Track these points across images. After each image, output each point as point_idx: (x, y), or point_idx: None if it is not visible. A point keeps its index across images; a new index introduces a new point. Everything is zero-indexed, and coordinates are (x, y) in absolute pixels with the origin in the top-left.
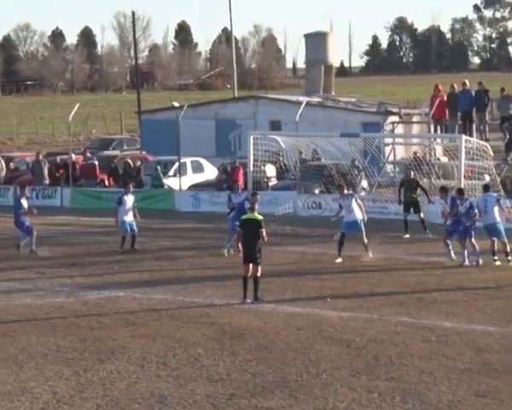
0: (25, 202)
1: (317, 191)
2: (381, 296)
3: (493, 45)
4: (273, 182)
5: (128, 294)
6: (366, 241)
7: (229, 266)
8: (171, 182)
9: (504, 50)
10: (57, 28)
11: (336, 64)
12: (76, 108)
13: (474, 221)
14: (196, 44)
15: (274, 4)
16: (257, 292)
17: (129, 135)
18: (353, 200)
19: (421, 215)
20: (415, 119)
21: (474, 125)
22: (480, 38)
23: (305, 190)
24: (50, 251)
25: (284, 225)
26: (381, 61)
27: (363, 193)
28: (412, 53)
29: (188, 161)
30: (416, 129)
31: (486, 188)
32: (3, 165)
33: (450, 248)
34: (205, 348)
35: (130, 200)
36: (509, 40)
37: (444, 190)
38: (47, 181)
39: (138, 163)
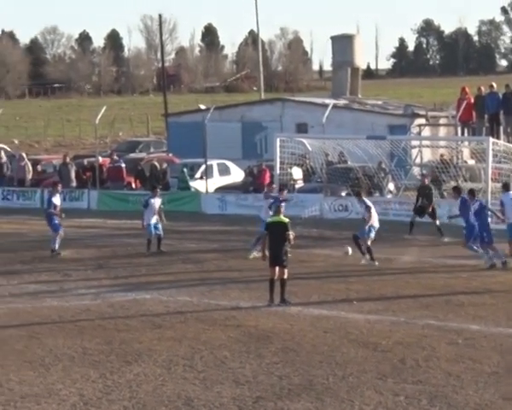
0: (57, 200)
1: (343, 194)
2: (408, 299)
3: None
4: (299, 184)
5: (154, 296)
6: (366, 246)
7: (255, 268)
8: (197, 184)
9: None
10: (84, 31)
11: (363, 66)
12: (103, 110)
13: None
14: (223, 47)
15: (300, 7)
16: (283, 294)
17: (155, 137)
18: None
19: (437, 222)
20: (442, 121)
21: (501, 128)
22: (508, 41)
23: (331, 192)
24: (77, 253)
25: (310, 227)
26: (407, 63)
27: (389, 196)
28: (439, 55)
29: (214, 163)
30: (442, 131)
31: (506, 187)
32: (30, 167)
33: (479, 250)
34: (231, 350)
35: (156, 203)
36: None
37: (457, 191)
38: (74, 184)
39: (165, 166)
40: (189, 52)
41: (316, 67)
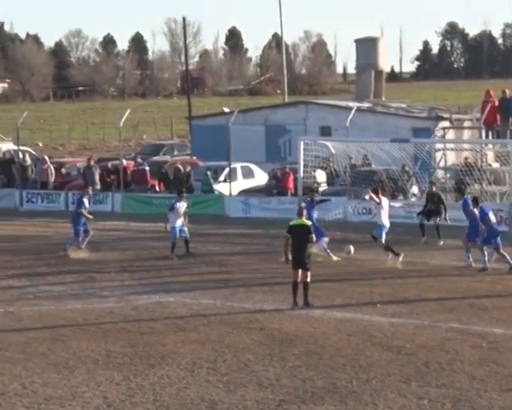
0: (86, 202)
1: (367, 197)
2: (432, 302)
3: None
4: (323, 187)
5: (178, 299)
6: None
7: (278, 271)
8: (221, 187)
9: None
10: (108, 34)
11: (387, 69)
12: (127, 113)
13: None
14: (246, 50)
15: (324, 10)
16: (307, 297)
17: (179, 140)
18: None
19: (437, 221)
20: (466, 124)
21: None
22: None
23: (355, 195)
24: (101, 256)
25: (334, 230)
26: (431, 66)
27: (413, 199)
28: (463, 58)
29: (238, 166)
30: (467, 134)
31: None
32: (53, 170)
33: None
34: (254, 353)
35: (182, 207)
36: None
37: (460, 192)
38: (98, 186)
39: (188, 168)
40: (212, 55)
41: (339, 69)
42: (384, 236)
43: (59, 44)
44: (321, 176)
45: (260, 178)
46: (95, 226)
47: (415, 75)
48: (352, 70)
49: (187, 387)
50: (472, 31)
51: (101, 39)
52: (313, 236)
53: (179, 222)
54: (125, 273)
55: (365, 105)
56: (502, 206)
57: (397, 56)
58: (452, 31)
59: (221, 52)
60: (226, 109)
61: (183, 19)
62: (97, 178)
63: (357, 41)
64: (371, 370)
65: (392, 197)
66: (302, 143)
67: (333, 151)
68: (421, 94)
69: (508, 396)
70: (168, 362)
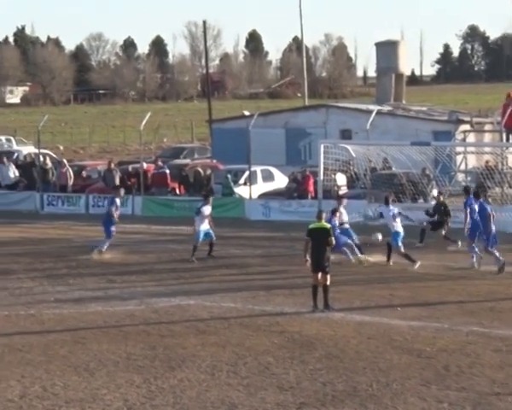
0: (118, 203)
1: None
2: (452, 306)
3: None
4: (343, 191)
5: (198, 302)
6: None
7: (298, 274)
8: (241, 190)
9: None
10: (129, 38)
11: (407, 72)
12: (147, 116)
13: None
14: (267, 53)
15: (345, 13)
16: (327, 300)
17: (200, 144)
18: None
19: (443, 233)
20: (486, 127)
21: None
22: None
23: (375, 198)
24: (122, 259)
25: (354, 233)
26: (452, 69)
27: (433, 202)
28: (484, 61)
29: (258, 169)
30: (487, 138)
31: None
32: (71, 174)
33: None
34: (275, 356)
35: (207, 210)
36: None
37: (465, 191)
38: None
39: (209, 172)
40: (233, 58)
41: (360, 73)
42: (401, 243)
43: (80, 48)
44: (341, 179)
45: (280, 181)
46: (115, 229)
47: (435, 78)
48: (372, 73)
49: (207, 390)
50: (493, 34)
51: (121, 43)
52: (332, 239)
53: (204, 226)
54: (145, 276)
55: (386, 108)
56: None
57: (417, 59)
58: (473, 34)
59: (241, 55)
60: (246, 112)
61: (204, 22)
62: (118, 181)
63: (378, 44)
64: (391, 373)
65: (413, 200)
66: (322, 146)
67: (353, 154)
68: (442, 97)
69: None
70: (188, 365)
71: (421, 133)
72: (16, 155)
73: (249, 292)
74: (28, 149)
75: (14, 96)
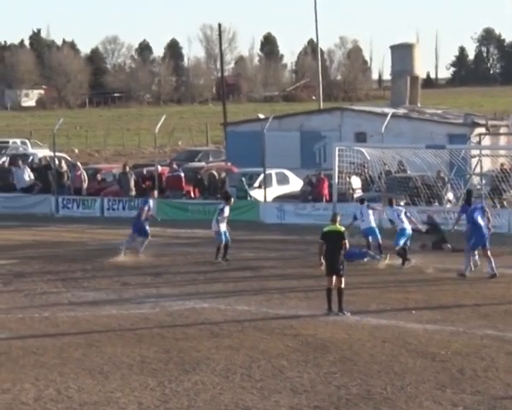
0: (151, 204)
1: (402, 203)
2: (467, 309)
3: None
4: (358, 194)
5: (212, 305)
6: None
7: (313, 277)
8: (256, 193)
9: None
10: (144, 41)
11: (422, 75)
12: (162, 119)
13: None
14: (282, 56)
15: (360, 16)
16: (341, 304)
17: (214, 147)
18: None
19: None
20: (502, 130)
21: None
22: None
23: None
24: (136, 262)
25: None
26: (467, 72)
27: (448, 205)
28: (500, 64)
29: (273, 172)
30: (503, 141)
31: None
32: (86, 177)
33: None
34: (289, 359)
35: (227, 211)
36: None
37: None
38: (133, 192)
39: (223, 175)
40: (248, 61)
41: (375, 76)
42: (402, 242)
43: (95, 51)
44: (356, 182)
45: (295, 184)
46: (130, 232)
47: (450, 81)
48: (387, 76)
49: (221, 393)
50: (508, 36)
51: (136, 46)
52: (346, 241)
53: (224, 227)
54: (159, 279)
55: (401, 111)
56: None
57: (432, 62)
58: (488, 37)
59: (256, 58)
60: (261, 116)
61: (219, 25)
62: (132, 184)
63: (393, 47)
64: (406, 377)
65: (428, 203)
66: (337, 149)
67: (368, 157)
68: (457, 100)
69: None
70: (202, 368)
71: (436, 136)
72: (31, 158)
73: (263, 295)
74: (43, 153)
75: (30, 99)
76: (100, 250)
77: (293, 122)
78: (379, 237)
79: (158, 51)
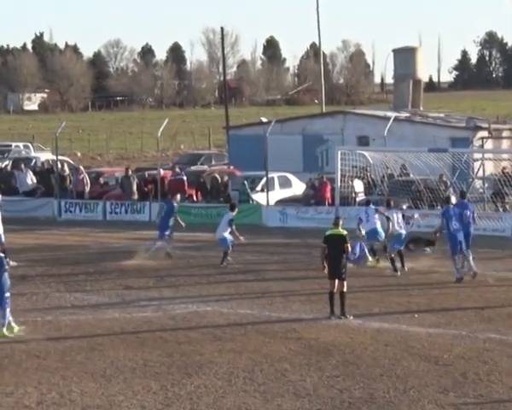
0: (176, 207)
1: (404, 207)
2: (470, 313)
3: None
4: (361, 197)
5: (215, 308)
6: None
7: (315, 281)
8: (258, 197)
9: None
10: (147, 44)
11: (425, 79)
12: (165, 123)
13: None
14: (284, 60)
15: (362, 19)
16: (343, 307)
17: (217, 150)
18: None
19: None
20: (504, 134)
21: None
22: None
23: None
24: (139, 265)
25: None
26: (470, 76)
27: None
28: (502, 68)
29: (275, 176)
30: (505, 144)
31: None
32: (88, 180)
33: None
34: (291, 363)
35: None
36: None
37: (446, 200)
38: (136, 196)
39: (226, 178)
40: (250, 65)
41: (377, 79)
42: (396, 247)
43: (97, 55)
44: (358, 186)
45: (297, 187)
46: (132, 236)
47: (453, 85)
48: (389, 80)
49: (224, 396)
50: (511, 40)
51: (139, 49)
52: (349, 245)
53: (227, 233)
54: (162, 283)
55: (403, 115)
56: None
57: (435, 66)
58: (491, 40)
59: (259, 62)
60: (264, 119)
61: (221, 29)
62: (135, 187)
63: (396, 51)
64: (408, 380)
65: (430, 207)
66: (339, 152)
67: (370, 161)
68: (460, 104)
69: None
70: (205, 371)
71: (438, 140)
72: (34, 161)
73: (266, 299)
74: (46, 156)
75: (32, 102)
76: (102, 254)
77: (295, 126)
78: (381, 238)
79: (160, 55)
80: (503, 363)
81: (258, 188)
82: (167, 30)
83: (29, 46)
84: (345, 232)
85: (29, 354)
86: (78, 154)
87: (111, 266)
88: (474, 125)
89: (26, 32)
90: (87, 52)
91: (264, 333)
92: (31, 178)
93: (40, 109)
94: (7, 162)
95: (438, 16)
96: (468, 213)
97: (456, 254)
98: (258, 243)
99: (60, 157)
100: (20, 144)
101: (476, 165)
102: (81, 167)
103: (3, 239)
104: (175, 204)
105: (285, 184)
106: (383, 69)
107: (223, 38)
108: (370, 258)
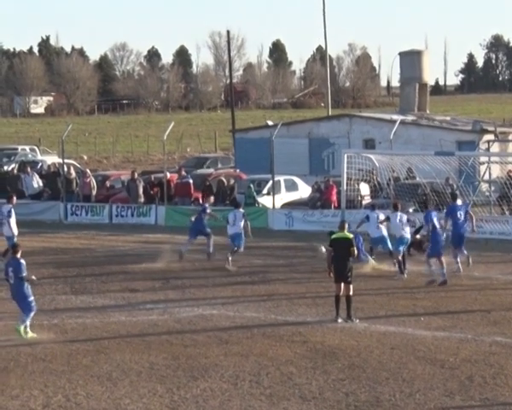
0: (208, 209)
1: (411, 210)
2: (476, 316)
3: None
4: (367, 200)
5: (221, 311)
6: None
7: (321, 284)
8: (264, 200)
9: None
10: (153, 48)
11: (431, 82)
12: (171, 126)
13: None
14: (290, 63)
15: (369, 23)
16: (350, 311)
17: (223, 153)
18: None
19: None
20: (511, 137)
21: None
22: None
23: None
24: (145, 268)
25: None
26: (476, 79)
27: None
28: (508, 71)
29: (281, 179)
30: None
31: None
32: (94, 184)
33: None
34: (297, 366)
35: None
36: None
37: (424, 205)
38: (142, 199)
39: (232, 181)
40: (256, 68)
41: (384, 82)
42: (401, 249)
43: (104, 58)
44: (364, 189)
45: (304, 190)
46: (138, 239)
47: (459, 88)
48: (396, 83)
49: (230, 400)
50: None
51: (145, 53)
52: (355, 249)
53: (241, 229)
54: (168, 286)
55: (409, 118)
56: None
57: (441, 69)
58: (497, 43)
59: (265, 65)
60: (270, 122)
61: (228, 32)
62: (141, 190)
63: (402, 54)
64: (414, 383)
65: (437, 210)
66: (346, 156)
67: (376, 164)
68: (466, 107)
69: None
70: (211, 375)
71: (444, 143)
72: (40, 164)
73: (272, 302)
74: (52, 159)
75: (39, 106)
76: (108, 257)
77: (301, 129)
78: (387, 246)
79: (167, 58)
80: (508, 366)
81: (265, 191)
82: (173, 33)
83: (35, 49)
84: (351, 236)
85: (35, 357)
86: (85, 157)
87: (117, 269)
88: (480, 129)
89: (33, 36)
90: (93, 55)
91: (270, 336)
92: (37, 182)
93: (46, 112)
94: (13, 165)
95: (444, 19)
96: (460, 214)
97: (433, 257)
98: (264, 246)
99: (66, 160)
100: (27, 147)
101: (482, 168)
102: (88, 171)
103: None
104: (207, 205)
105: (291, 187)
106: (389, 72)
107: (229, 42)
108: (368, 256)
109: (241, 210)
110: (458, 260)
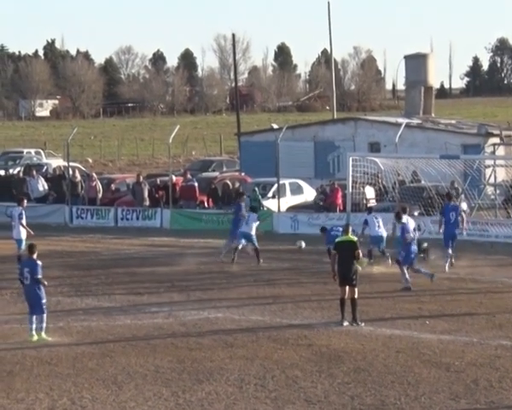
0: (243, 207)
1: (416, 213)
2: (481, 319)
3: None
4: (372, 204)
5: (226, 315)
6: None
7: (326, 287)
8: (269, 203)
9: None
10: (158, 51)
11: (436, 85)
12: (176, 129)
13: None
14: (296, 66)
15: (374, 26)
16: (355, 314)
17: (228, 157)
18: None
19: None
20: None
21: None
22: None
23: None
24: (150, 272)
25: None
26: (481, 82)
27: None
28: None
29: (286, 182)
30: None
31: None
32: (100, 187)
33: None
34: (303, 370)
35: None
36: None
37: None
38: (147, 202)
39: (237, 184)
40: (261, 71)
41: (389, 86)
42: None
43: (109, 61)
44: (370, 192)
45: (309, 194)
46: (144, 242)
47: (464, 91)
48: (401, 86)
49: (235, 403)
50: None
51: (150, 56)
52: (359, 252)
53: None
54: (173, 289)
55: (414, 121)
56: None
57: (446, 72)
58: (502, 47)
59: (270, 68)
60: (275, 126)
61: (233, 35)
62: (146, 194)
63: (407, 57)
64: (420, 387)
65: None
66: (351, 159)
67: (382, 167)
68: (471, 110)
69: None
70: (216, 378)
71: (450, 146)
72: (46, 168)
73: (277, 305)
74: (57, 162)
75: (44, 109)
76: (114, 260)
77: (306, 132)
78: (383, 245)
79: (172, 61)
80: None
81: (270, 194)
82: (179, 36)
83: (41, 53)
84: (355, 238)
85: (40, 361)
86: (90, 160)
87: (122, 273)
88: (485, 132)
89: (38, 39)
90: (99, 59)
91: (275, 340)
92: (42, 185)
93: (52, 116)
94: (19, 169)
95: (449, 23)
96: (452, 214)
97: (407, 265)
98: (269, 249)
99: (71, 163)
100: (32, 151)
101: (488, 171)
102: (94, 174)
103: (23, 246)
104: (242, 204)
105: (296, 190)
106: (395, 76)
107: (234, 45)
108: (366, 259)
109: (255, 215)
110: (448, 259)
